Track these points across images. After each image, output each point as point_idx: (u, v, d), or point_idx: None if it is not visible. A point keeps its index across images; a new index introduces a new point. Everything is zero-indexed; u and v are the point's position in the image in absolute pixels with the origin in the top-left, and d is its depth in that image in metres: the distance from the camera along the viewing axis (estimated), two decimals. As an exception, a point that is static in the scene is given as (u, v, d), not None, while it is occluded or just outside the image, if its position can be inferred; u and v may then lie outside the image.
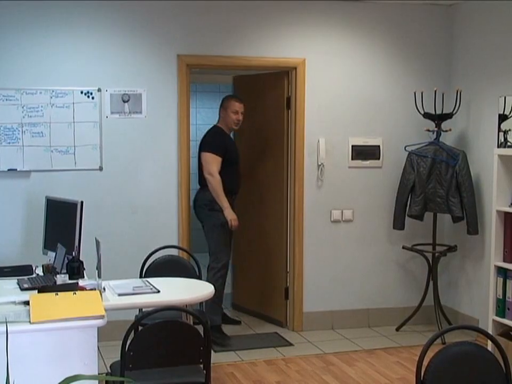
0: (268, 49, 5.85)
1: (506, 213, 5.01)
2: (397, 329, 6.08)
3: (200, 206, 5.71)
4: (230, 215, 5.56)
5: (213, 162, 5.56)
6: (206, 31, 5.68)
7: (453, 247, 5.99)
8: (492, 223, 5.14)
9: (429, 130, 5.95)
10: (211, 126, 5.85)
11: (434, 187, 5.81)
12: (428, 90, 5.96)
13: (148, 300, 3.84)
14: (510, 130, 5.38)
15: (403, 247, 6.10)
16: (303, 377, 4.94)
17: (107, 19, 5.48)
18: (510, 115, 5.39)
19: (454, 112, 5.88)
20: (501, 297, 5.05)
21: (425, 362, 2.79)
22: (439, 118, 5.91)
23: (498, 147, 5.31)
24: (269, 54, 5.84)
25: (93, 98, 5.46)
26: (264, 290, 6.31)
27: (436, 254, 5.99)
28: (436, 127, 5.93)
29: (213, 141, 5.64)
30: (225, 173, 5.60)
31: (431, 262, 6.01)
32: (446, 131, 5.95)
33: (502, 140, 5.39)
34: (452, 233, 6.17)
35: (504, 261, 5.03)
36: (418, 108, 5.93)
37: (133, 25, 5.54)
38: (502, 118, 5.45)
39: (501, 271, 5.05)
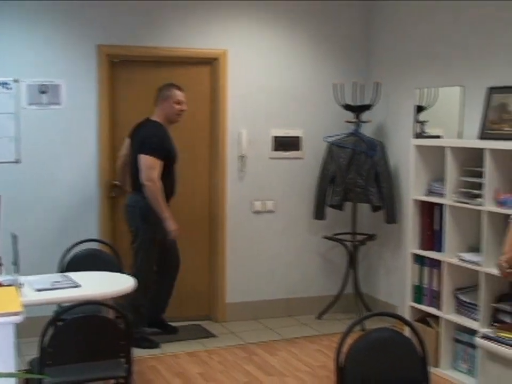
0: (191, 40, 5.81)
1: (422, 202, 5.15)
2: (318, 318, 6.17)
3: (133, 213, 5.21)
4: (172, 225, 5.14)
5: (153, 167, 5.03)
6: (127, 21, 5.61)
7: (372, 235, 6.12)
8: (409, 212, 5.27)
9: (348, 122, 6.04)
10: (144, 119, 5.31)
11: (354, 177, 5.91)
12: (348, 83, 6.05)
13: (67, 294, 3.78)
14: (426, 121, 5.53)
15: (324, 237, 6.19)
16: (226, 368, 4.96)
17: (25, 8, 5.34)
18: (426, 106, 5.54)
19: (373, 104, 5.99)
20: (417, 284, 5.19)
21: (345, 349, 2.84)
22: (358, 110, 6.01)
23: (415, 138, 5.45)
24: (191, 45, 5.81)
25: (9, 88, 5.32)
26: (187, 282, 6.30)
27: (356, 243, 6.10)
28: (355, 118, 6.03)
29: (154, 142, 5.08)
30: (164, 176, 5.11)
31: (351, 250, 6.12)
32: (366, 122, 6.06)
33: (419, 131, 5.53)
34: (371, 222, 6.30)
35: (421, 248, 5.16)
36: (338, 99, 6.01)
37: (52, 14, 5.41)
38: (419, 109, 5.60)
39: (418, 259, 5.19)
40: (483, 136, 4.92)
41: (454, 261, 4.79)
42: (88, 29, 5.51)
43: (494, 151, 4.46)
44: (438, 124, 5.48)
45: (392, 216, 5.91)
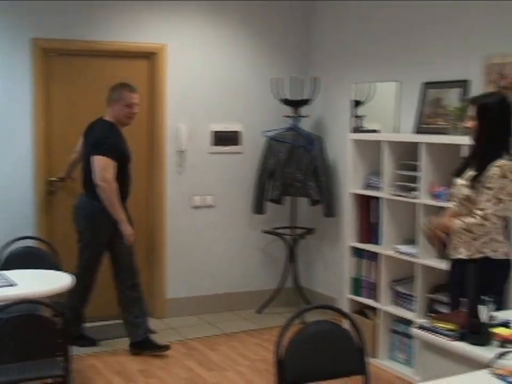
0: (130, 34, 5.75)
1: (360, 195, 5.21)
2: (258, 312, 6.19)
3: (80, 215, 5.03)
4: (127, 230, 4.92)
5: (107, 168, 4.82)
6: (64, 14, 5.50)
7: (311, 229, 6.17)
8: (347, 205, 5.33)
9: (287, 116, 6.07)
10: (97, 119, 5.09)
11: (292, 172, 5.95)
12: (287, 78, 6.07)
13: (2, 293, 3.70)
14: (364, 116, 5.60)
15: (263, 231, 6.22)
16: (166, 364, 4.94)
17: (-47, -1, 5.20)
18: (364, 101, 5.61)
19: (311, 98, 6.03)
20: (355, 276, 5.26)
21: (285, 343, 2.86)
22: (297, 104, 6.05)
23: (352, 132, 5.51)
24: (130, 39, 5.75)
25: None
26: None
27: (295, 237, 6.15)
28: (294, 113, 6.06)
29: (107, 142, 4.87)
30: (118, 177, 4.91)
31: (290, 244, 6.16)
32: (304, 117, 6.10)
33: (356, 125, 5.60)
34: (310, 216, 6.35)
35: (358, 241, 5.23)
36: (277, 94, 6.04)
37: (-18, 5, 5.28)
38: (356, 104, 5.67)
39: (356, 251, 5.26)
40: (418, 130, 5.01)
41: (391, 253, 4.87)
42: (22, 23, 5.38)
43: (429, 145, 4.54)
44: (375, 119, 5.56)
45: (330, 210, 5.98)
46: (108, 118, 4.99)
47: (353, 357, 2.95)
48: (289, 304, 6.14)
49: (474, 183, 3.55)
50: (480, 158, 3.59)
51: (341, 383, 3.25)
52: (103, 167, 4.82)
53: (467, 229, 3.54)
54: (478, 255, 3.55)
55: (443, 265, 4.45)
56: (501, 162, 3.49)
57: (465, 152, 4.02)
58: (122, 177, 4.96)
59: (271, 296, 6.21)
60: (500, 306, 3.46)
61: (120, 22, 5.71)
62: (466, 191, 3.60)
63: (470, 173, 3.62)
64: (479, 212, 3.49)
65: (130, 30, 5.75)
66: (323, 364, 2.89)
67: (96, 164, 4.84)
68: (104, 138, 4.88)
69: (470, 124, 3.64)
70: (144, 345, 5.07)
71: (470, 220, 3.53)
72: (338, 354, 2.94)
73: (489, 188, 3.48)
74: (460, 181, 3.68)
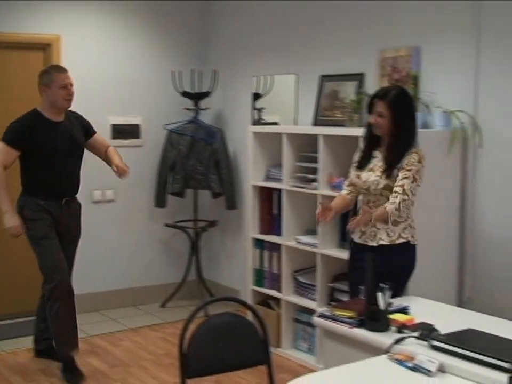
0: (24, 25, 5.57)
1: (261, 187, 5.26)
2: (162, 306, 6.16)
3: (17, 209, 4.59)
4: (8, 221, 4.46)
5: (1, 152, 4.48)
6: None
7: (213, 222, 6.18)
8: (248, 197, 5.37)
9: (187, 109, 6.05)
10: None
11: (194, 164, 5.93)
12: (186, 70, 6.05)
13: None
14: (263, 108, 5.64)
15: (165, 225, 6.18)
16: (68, 362, 4.84)
17: None
18: (263, 94, 5.65)
19: (211, 91, 6.03)
20: (258, 267, 5.31)
21: (188, 336, 2.85)
22: (197, 97, 6.04)
23: (252, 124, 5.55)
24: (24, 30, 5.57)
25: None
26: (23, 275, 6.07)
27: (197, 230, 6.14)
28: (194, 105, 6.05)
29: (10, 127, 4.54)
30: (34, 169, 4.54)
31: (193, 237, 6.16)
32: (204, 110, 6.10)
33: (257, 118, 5.64)
34: (212, 208, 6.36)
35: (260, 233, 5.28)
36: (177, 87, 6.00)
37: None
38: (256, 96, 5.71)
39: (258, 243, 5.30)
40: (317, 122, 5.10)
41: (292, 243, 4.94)
42: None
43: (327, 137, 4.63)
44: (274, 111, 5.61)
45: (232, 202, 6.00)
46: (40, 107, 4.58)
47: (257, 347, 2.98)
48: (193, 297, 6.13)
49: (391, 171, 3.62)
50: (395, 150, 3.64)
51: (245, 374, 3.29)
52: None
53: (398, 208, 3.56)
54: (399, 240, 3.65)
55: (343, 254, 4.56)
56: (416, 149, 3.63)
57: (361, 144, 4.01)
58: (41, 170, 4.51)
59: (174, 289, 6.19)
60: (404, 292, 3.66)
61: (14, 13, 5.53)
62: (384, 181, 3.65)
63: (380, 164, 3.69)
64: (398, 189, 3.57)
65: (24, 21, 5.57)
66: (227, 355, 2.90)
67: None
68: (10, 124, 4.55)
69: (377, 120, 3.65)
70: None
71: (395, 199, 3.57)
72: (242, 345, 2.96)
73: (408, 170, 3.58)
74: (368, 174, 3.72)
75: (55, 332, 4.56)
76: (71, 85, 4.57)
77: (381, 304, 2.81)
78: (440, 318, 2.91)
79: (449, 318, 3.00)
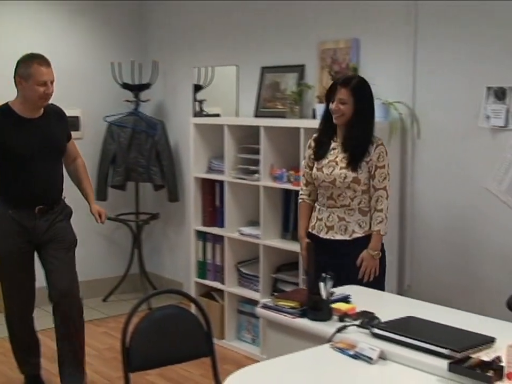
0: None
1: (203, 179, 5.25)
2: (104, 300, 6.10)
3: None
4: None
5: None
6: None
7: (155, 214, 6.14)
8: (190, 189, 5.34)
9: (128, 101, 5.99)
10: None
11: (135, 157, 5.88)
12: (126, 62, 5.97)
13: None
14: (204, 100, 5.62)
15: (106, 218, 6.09)
16: (7, 358, 4.74)
17: None
18: (204, 85, 5.63)
19: (152, 82, 5.98)
20: (201, 259, 5.30)
21: (131, 330, 2.83)
22: (137, 89, 5.98)
23: (194, 116, 5.53)
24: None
25: None
26: None
27: (139, 223, 6.10)
28: (134, 97, 5.99)
29: None
30: (1, 174, 3.99)
31: (135, 230, 6.11)
32: (145, 101, 6.04)
33: (198, 109, 5.62)
34: (154, 201, 6.32)
35: (203, 225, 5.27)
36: (117, 78, 5.93)
37: None
38: (197, 88, 5.68)
39: (200, 235, 5.29)
40: (258, 114, 5.11)
41: (235, 235, 4.95)
42: None
43: (268, 129, 4.64)
44: (216, 103, 5.60)
45: (174, 195, 5.97)
46: (12, 101, 3.99)
47: (200, 339, 2.98)
48: (136, 290, 6.09)
49: (358, 164, 3.61)
50: (358, 141, 3.63)
51: (189, 366, 3.29)
52: None
53: (386, 217, 3.66)
54: (370, 232, 3.68)
55: (286, 245, 4.59)
56: (379, 140, 3.66)
57: (312, 136, 3.90)
58: (9, 174, 3.95)
59: (117, 283, 6.13)
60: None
61: None
62: (352, 174, 3.62)
63: (342, 155, 3.66)
64: (382, 192, 3.62)
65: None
66: (170, 348, 2.89)
67: None
68: None
69: (338, 107, 3.61)
70: None
71: (381, 206, 3.63)
72: (185, 338, 2.95)
73: (382, 167, 3.62)
74: (331, 166, 3.68)
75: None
76: (52, 82, 3.93)
77: (323, 293, 2.84)
78: (381, 306, 2.96)
79: (390, 306, 3.05)
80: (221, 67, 5.53)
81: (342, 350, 2.56)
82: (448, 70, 4.11)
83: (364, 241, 3.67)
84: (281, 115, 4.81)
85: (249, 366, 2.45)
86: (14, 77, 3.93)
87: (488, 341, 2.52)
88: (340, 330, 2.69)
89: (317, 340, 2.71)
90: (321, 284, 2.84)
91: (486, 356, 2.35)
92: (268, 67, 5.11)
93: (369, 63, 4.46)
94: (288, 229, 4.69)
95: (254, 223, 4.93)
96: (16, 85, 3.95)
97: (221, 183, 5.06)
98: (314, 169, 3.76)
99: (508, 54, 3.82)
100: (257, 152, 4.71)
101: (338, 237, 3.70)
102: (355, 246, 3.67)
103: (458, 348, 2.42)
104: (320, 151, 3.75)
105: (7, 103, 3.98)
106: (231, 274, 5.03)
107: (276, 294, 4.48)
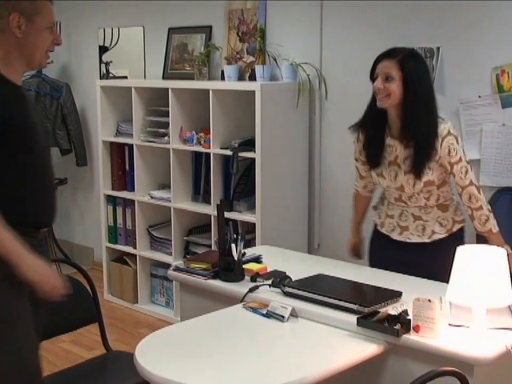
0: None
1: (111, 143, 5.16)
2: (13, 268, 5.96)
3: None
4: (34, 271, 2.24)
5: None
6: None
7: (63, 180, 6.00)
8: (99, 153, 5.25)
9: (30, 63, 5.79)
10: None
11: (40, 121, 5.72)
12: (26, 21, 5.76)
13: None
14: (111, 62, 5.51)
15: (13, 185, 5.94)
16: None
17: None
18: (110, 47, 5.51)
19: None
20: (112, 224, 5.24)
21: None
22: (40, 50, 5.79)
23: (100, 78, 5.41)
24: None
25: None
26: None
27: (47, 189, 5.96)
28: (37, 59, 5.80)
29: None
30: (7, 175, 2.32)
31: (42, 197, 5.97)
32: (49, 63, 5.84)
33: (104, 72, 5.50)
34: (61, 166, 6.17)
35: (113, 189, 5.20)
36: (18, 39, 5.72)
37: None
38: (103, 49, 5.55)
39: (110, 199, 5.22)
40: (166, 76, 5.05)
41: (145, 199, 4.91)
42: None
43: (176, 91, 4.59)
44: (123, 65, 5.50)
45: (82, 159, 5.85)
46: None
47: (88, 307, 3.02)
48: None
49: (426, 167, 2.91)
50: (420, 131, 2.88)
51: (78, 334, 3.32)
52: None
53: (491, 210, 2.98)
54: (456, 227, 3.07)
55: (197, 208, 4.60)
56: (446, 127, 2.90)
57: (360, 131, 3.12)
58: (19, 176, 2.34)
59: (25, 251, 5.99)
60: None
61: None
62: (422, 179, 2.92)
63: (403, 154, 2.95)
64: (472, 188, 2.94)
65: None
66: (59, 318, 2.86)
67: None
68: None
69: (383, 85, 2.87)
70: None
71: (478, 202, 2.93)
72: (73, 306, 2.92)
73: (458, 161, 2.91)
74: (393, 170, 2.99)
75: None
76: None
77: (235, 254, 2.86)
78: (292, 266, 3.01)
79: (301, 265, 3.11)
80: (127, 28, 5.41)
81: (254, 310, 2.60)
82: (355, 31, 4.16)
83: (446, 243, 2.97)
84: (190, 77, 4.77)
85: (162, 329, 2.46)
86: (0, 16, 2.34)
87: (395, 296, 2.61)
88: (251, 290, 2.72)
89: (230, 300, 2.74)
90: (233, 245, 2.86)
91: (393, 310, 2.44)
92: (175, 28, 5.04)
93: (277, 24, 4.46)
94: (199, 191, 4.69)
95: (165, 186, 4.90)
96: (1, 32, 2.35)
97: (130, 146, 4.99)
98: (374, 174, 3.08)
99: (414, 14, 3.89)
100: (166, 114, 4.66)
101: (415, 239, 3.05)
102: (436, 249, 3.02)
103: (366, 303, 2.50)
104: (373, 153, 3.03)
105: None
106: (142, 238, 5.00)
107: (188, 256, 4.50)
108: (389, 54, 2.90)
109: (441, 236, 3.01)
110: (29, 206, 2.36)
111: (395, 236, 3.09)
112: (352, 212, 3.44)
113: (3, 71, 2.36)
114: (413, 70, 2.86)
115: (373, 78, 2.94)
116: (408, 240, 3.07)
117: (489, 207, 2.99)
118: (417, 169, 2.91)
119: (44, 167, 2.45)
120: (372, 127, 3.02)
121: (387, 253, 3.13)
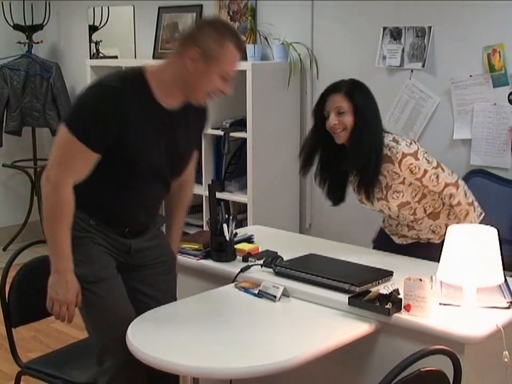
0: None
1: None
2: (4, 249, 5.95)
3: None
4: (52, 293, 2.39)
5: (64, 151, 2.38)
6: None
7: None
8: (89, 134, 5.22)
9: (20, 43, 5.76)
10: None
11: (30, 101, 5.69)
12: (17, 2, 5.71)
13: None
14: (100, 41, 5.47)
15: (3, 165, 5.92)
16: None
17: None
18: (101, 26, 5.47)
19: (45, 23, 5.76)
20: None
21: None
22: (29, 30, 5.75)
23: (90, 58, 5.38)
24: None
25: None
26: None
27: (38, 169, 5.94)
28: (27, 39, 5.76)
29: (84, 105, 2.36)
30: (102, 184, 2.42)
31: (33, 177, 5.95)
32: (38, 43, 5.82)
33: (94, 51, 5.47)
34: (52, 146, 6.14)
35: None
36: (7, 19, 5.67)
37: None
38: (93, 29, 5.51)
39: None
40: (156, 55, 5.02)
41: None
42: None
43: (168, 70, 4.56)
44: (113, 44, 5.47)
45: (73, 139, 5.83)
46: (152, 75, 2.40)
47: None
48: (37, 237, 5.94)
49: (396, 188, 2.88)
50: (364, 155, 2.83)
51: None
52: (60, 146, 2.39)
53: (472, 207, 2.95)
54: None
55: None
56: (398, 151, 2.81)
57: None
58: (118, 194, 2.45)
59: (16, 232, 5.98)
60: None
61: None
62: (394, 203, 2.91)
63: (358, 186, 2.93)
64: (450, 188, 2.90)
65: None
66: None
67: (55, 141, 2.43)
68: (86, 93, 2.38)
69: (338, 119, 2.83)
70: None
71: (457, 198, 2.91)
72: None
73: (424, 173, 2.84)
74: (367, 204, 3.00)
75: None
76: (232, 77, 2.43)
77: (226, 235, 2.86)
78: (284, 246, 3.01)
79: (292, 245, 3.11)
80: (117, 7, 5.37)
81: (246, 290, 2.61)
82: (346, 10, 4.14)
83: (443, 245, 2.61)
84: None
85: (154, 309, 2.47)
86: (182, 41, 2.41)
87: (386, 275, 2.62)
88: (243, 270, 2.73)
89: (222, 280, 2.75)
90: (225, 226, 2.86)
91: (384, 289, 2.45)
92: (165, 7, 5.00)
93: (267, 3, 4.43)
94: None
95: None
96: (174, 57, 2.40)
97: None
98: (357, 200, 3.07)
99: (402, -6, 3.88)
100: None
101: (412, 241, 3.08)
102: (433, 248, 2.92)
103: (358, 283, 2.50)
104: (340, 188, 3.03)
105: (141, 71, 2.41)
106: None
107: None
108: (334, 89, 2.89)
109: (436, 242, 2.99)
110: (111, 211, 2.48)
111: (395, 239, 3.12)
112: None
113: (159, 89, 2.38)
114: (361, 99, 2.86)
115: (320, 116, 2.91)
116: (405, 242, 3.10)
117: (470, 199, 2.94)
118: (367, 194, 2.90)
119: (141, 187, 2.48)
120: (332, 165, 2.96)
121: (391, 243, 3.13)
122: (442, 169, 2.89)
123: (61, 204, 2.35)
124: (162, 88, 2.38)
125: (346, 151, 2.89)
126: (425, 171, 2.83)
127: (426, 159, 2.85)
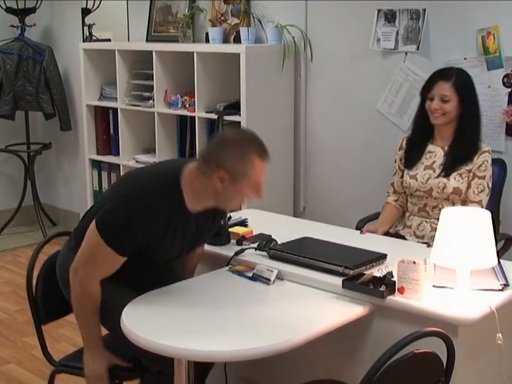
0: None
1: (96, 107, 5.12)
2: (-2, 234, 5.95)
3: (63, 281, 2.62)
4: (87, 367, 2.54)
5: (95, 254, 2.44)
6: None
7: (47, 144, 5.96)
8: (83, 117, 5.21)
9: (12, 26, 5.71)
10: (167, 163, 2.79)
11: (23, 84, 5.66)
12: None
13: None
14: (94, 24, 5.44)
15: (-4, 149, 5.90)
16: None
17: None
18: (93, 9, 5.43)
19: (37, 6, 5.71)
20: (97, 189, 5.22)
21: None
22: (22, 13, 5.70)
23: (83, 41, 5.34)
24: None
25: None
26: None
27: (31, 153, 5.92)
28: (19, 22, 5.72)
29: (121, 214, 2.40)
30: (134, 267, 2.53)
31: (26, 161, 5.93)
32: (30, 26, 5.78)
33: (87, 34, 5.43)
34: (45, 130, 6.13)
35: (98, 154, 5.18)
36: (0, 2, 5.64)
37: None
38: (86, 12, 5.47)
39: (95, 164, 5.19)
40: (150, 38, 5.00)
41: (131, 163, 4.88)
42: None
43: (160, 53, 4.55)
44: (106, 27, 5.43)
45: (66, 123, 5.80)
46: (187, 187, 2.44)
47: None
48: (31, 223, 5.95)
49: (460, 171, 3.16)
50: (462, 145, 3.17)
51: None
52: (88, 249, 2.45)
53: None
54: None
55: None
56: (487, 147, 3.19)
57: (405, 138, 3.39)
58: (144, 270, 2.59)
59: (10, 216, 5.96)
60: None
61: None
62: (452, 184, 3.14)
63: (440, 160, 3.21)
64: (478, 206, 3.08)
65: None
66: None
67: (87, 236, 2.47)
68: (127, 200, 2.42)
69: (440, 105, 3.15)
70: None
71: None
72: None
73: (482, 177, 3.14)
74: (426, 174, 3.20)
75: None
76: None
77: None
78: (278, 229, 3.01)
79: (286, 228, 3.12)
80: (110, -10, 5.33)
81: (240, 273, 2.61)
82: (340, -8, 4.12)
83: None
84: (174, 39, 4.72)
85: (149, 292, 2.47)
86: (207, 161, 2.41)
87: (380, 258, 2.63)
88: (237, 253, 2.73)
89: (216, 264, 2.75)
90: (219, 209, 2.86)
91: (378, 272, 2.45)
92: (155, -11, 4.97)
93: (262, -15, 4.41)
94: (184, 155, 4.67)
95: (150, 150, 4.88)
96: (206, 175, 2.40)
97: (115, 110, 4.95)
98: (406, 176, 3.28)
99: (397, -24, 3.86)
100: (150, 78, 4.62)
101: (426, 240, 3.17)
102: None
103: (352, 265, 2.51)
104: (413, 155, 3.28)
105: (178, 183, 2.44)
106: (128, 202, 4.99)
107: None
108: (443, 77, 3.17)
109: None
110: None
111: (408, 238, 3.23)
112: (380, 217, 3.40)
113: (190, 199, 2.45)
114: (468, 92, 3.17)
115: (425, 95, 3.20)
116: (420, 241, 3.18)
117: None
118: (451, 171, 3.14)
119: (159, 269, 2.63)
120: (417, 134, 3.30)
121: None
122: (489, 193, 3.16)
123: (88, 299, 2.48)
124: (195, 199, 2.45)
125: (434, 131, 3.24)
126: (484, 177, 3.14)
127: (491, 174, 3.17)
